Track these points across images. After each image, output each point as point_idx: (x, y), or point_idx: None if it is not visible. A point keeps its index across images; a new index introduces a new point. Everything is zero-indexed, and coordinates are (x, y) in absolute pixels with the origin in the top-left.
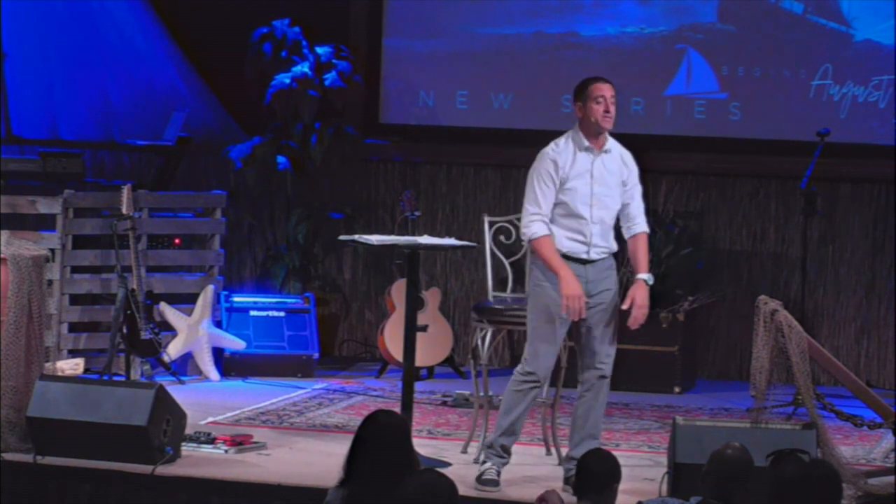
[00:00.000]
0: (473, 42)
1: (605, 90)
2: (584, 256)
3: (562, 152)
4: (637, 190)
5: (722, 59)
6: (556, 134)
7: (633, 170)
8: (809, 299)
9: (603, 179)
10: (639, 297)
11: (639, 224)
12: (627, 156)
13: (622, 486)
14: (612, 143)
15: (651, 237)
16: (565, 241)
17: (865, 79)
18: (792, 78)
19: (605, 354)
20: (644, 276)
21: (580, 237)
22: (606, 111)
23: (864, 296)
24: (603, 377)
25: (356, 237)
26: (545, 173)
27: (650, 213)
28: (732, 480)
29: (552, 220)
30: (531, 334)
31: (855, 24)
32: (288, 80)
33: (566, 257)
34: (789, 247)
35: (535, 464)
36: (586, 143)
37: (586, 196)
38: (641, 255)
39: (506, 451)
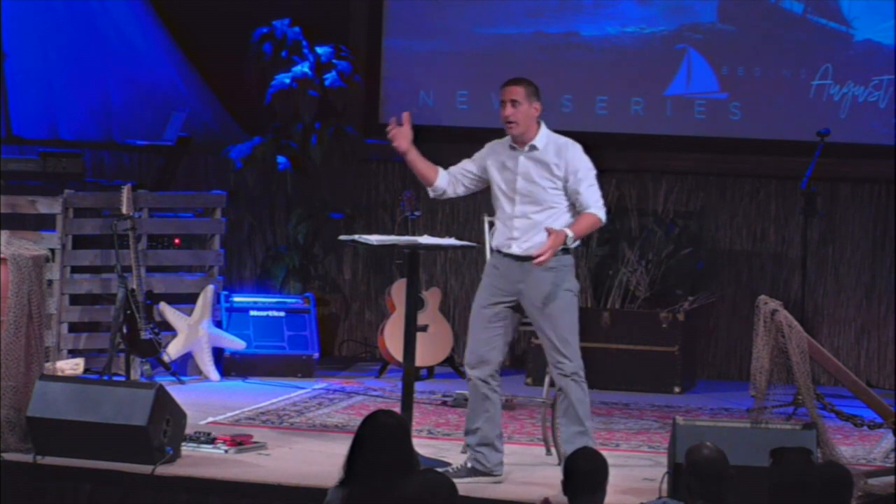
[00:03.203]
0: (473, 42)
1: (505, 93)
2: (507, 250)
3: (495, 144)
4: (584, 181)
5: (722, 59)
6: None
7: (571, 160)
8: (809, 299)
9: (528, 175)
10: (553, 237)
11: (589, 208)
12: (568, 148)
13: (622, 485)
14: (543, 139)
15: (651, 237)
16: (496, 234)
17: (865, 79)
18: (792, 78)
19: (561, 355)
20: (568, 231)
21: (505, 231)
22: (506, 115)
23: (864, 296)
24: (564, 376)
25: (356, 237)
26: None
27: (650, 213)
28: (717, 479)
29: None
30: None
31: (855, 24)
32: (288, 80)
33: (499, 252)
34: (789, 247)
35: (534, 464)
36: (510, 141)
37: (509, 191)
38: (578, 221)
39: (469, 447)
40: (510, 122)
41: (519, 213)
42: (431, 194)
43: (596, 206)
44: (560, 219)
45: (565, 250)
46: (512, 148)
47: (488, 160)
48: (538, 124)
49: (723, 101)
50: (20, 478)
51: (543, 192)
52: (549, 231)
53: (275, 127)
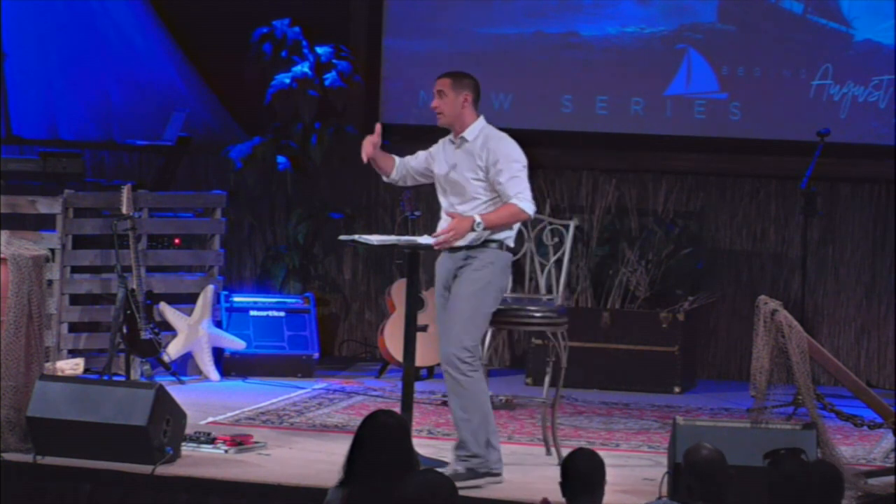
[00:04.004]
0: (473, 42)
1: (434, 85)
2: None
3: (445, 139)
4: (504, 172)
5: (722, 59)
6: (557, 134)
7: (493, 151)
8: (809, 299)
9: (458, 167)
10: (455, 220)
11: (508, 199)
12: (492, 139)
13: (622, 485)
14: (474, 131)
15: (651, 237)
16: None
17: (865, 79)
18: (792, 78)
19: (444, 336)
20: (477, 217)
21: (441, 223)
22: (432, 106)
23: (864, 296)
24: (445, 370)
25: (356, 237)
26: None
27: (650, 213)
28: (716, 480)
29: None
30: None
31: (855, 24)
32: (288, 80)
33: None
34: (789, 247)
35: (534, 464)
36: (451, 134)
37: (442, 182)
38: (495, 210)
39: None
40: (437, 113)
41: (447, 204)
42: (385, 180)
43: (517, 198)
44: (484, 211)
45: (501, 245)
46: (451, 141)
47: (435, 155)
48: (474, 117)
49: (723, 101)
50: (20, 478)
51: (467, 183)
52: (452, 215)
53: (275, 127)
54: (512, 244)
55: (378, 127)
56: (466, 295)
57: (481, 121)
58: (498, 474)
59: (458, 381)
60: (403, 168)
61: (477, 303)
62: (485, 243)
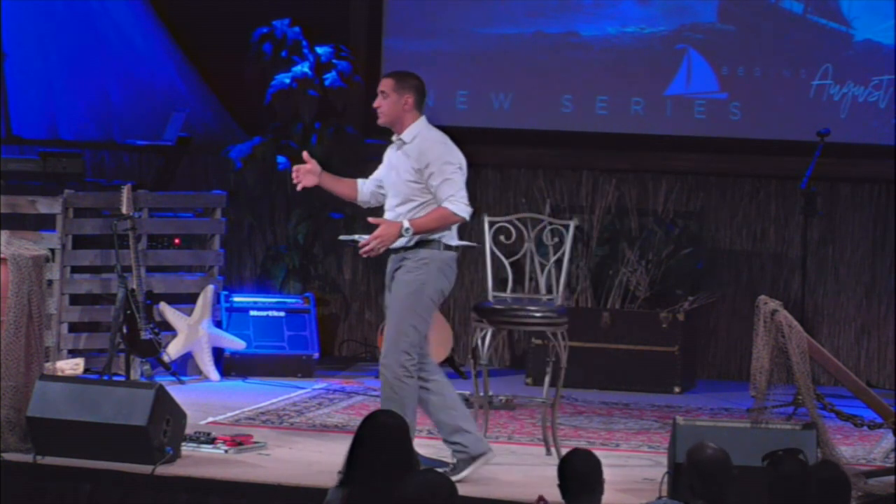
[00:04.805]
0: (473, 42)
1: (379, 84)
2: None
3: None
4: (437, 175)
5: (722, 59)
6: (557, 134)
7: (424, 153)
8: (809, 299)
9: (397, 169)
10: (381, 227)
11: (441, 203)
12: (427, 142)
13: (622, 485)
14: (411, 133)
15: (651, 237)
16: None
17: (865, 79)
18: (792, 78)
19: (385, 347)
20: (406, 224)
21: None
22: (374, 105)
23: (864, 296)
24: (381, 372)
25: (356, 237)
26: None
27: (650, 213)
28: (720, 479)
29: None
30: None
31: (855, 24)
32: (288, 80)
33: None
34: (789, 247)
35: (534, 464)
36: (394, 134)
37: (386, 185)
38: (424, 216)
39: (447, 444)
40: (377, 113)
41: (389, 206)
42: (363, 206)
43: (449, 201)
44: (421, 213)
45: (439, 244)
46: (392, 141)
47: (384, 159)
48: (414, 118)
49: (723, 101)
50: (20, 478)
51: (404, 186)
52: (378, 222)
53: (275, 127)
54: (452, 243)
55: (306, 154)
56: (400, 298)
57: (420, 122)
58: (486, 452)
59: (391, 386)
60: (368, 187)
61: (410, 305)
62: (421, 243)
